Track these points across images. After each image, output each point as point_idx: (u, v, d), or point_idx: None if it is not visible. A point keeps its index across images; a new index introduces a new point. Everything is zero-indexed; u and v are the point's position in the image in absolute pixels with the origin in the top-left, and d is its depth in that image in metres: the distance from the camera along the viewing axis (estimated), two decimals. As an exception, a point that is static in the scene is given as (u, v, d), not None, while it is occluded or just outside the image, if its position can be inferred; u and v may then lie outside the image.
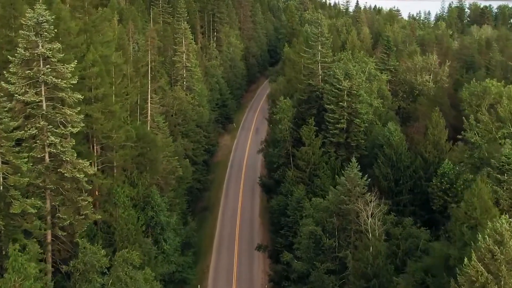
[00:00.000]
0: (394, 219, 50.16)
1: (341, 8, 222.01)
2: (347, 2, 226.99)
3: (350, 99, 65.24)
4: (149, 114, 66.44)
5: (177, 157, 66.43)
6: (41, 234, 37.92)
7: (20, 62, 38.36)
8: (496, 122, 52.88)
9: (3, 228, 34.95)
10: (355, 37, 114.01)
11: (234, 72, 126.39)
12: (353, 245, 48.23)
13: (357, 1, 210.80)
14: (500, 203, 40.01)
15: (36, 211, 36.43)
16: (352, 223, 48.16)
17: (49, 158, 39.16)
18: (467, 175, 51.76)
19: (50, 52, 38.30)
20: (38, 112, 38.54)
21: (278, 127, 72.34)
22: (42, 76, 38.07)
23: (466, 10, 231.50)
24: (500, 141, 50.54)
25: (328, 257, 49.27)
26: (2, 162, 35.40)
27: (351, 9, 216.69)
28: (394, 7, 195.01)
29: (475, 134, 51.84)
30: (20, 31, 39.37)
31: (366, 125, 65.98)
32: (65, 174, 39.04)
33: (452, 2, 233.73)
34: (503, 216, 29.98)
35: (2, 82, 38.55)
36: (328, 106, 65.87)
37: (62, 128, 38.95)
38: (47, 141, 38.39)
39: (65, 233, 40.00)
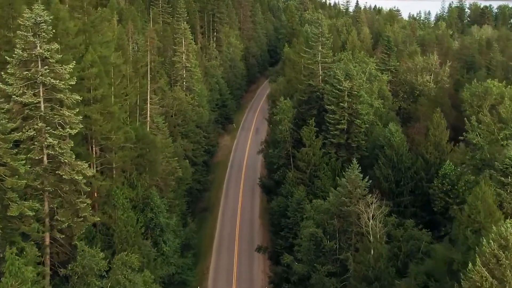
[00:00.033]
0: (395, 221, 49.79)
1: (341, 8, 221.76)
2: (347, 2, 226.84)
3: (350, 99, 64.91)
4: (148, 114, 66.11)
5: (176, 158, 66.08)
6: (39, 236, 37.58)
7: (18, 63, 38.00)
8: (498, 123, 52.46)
9: (0, 231, 34.57)
10: (355, 37, 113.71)
11: (234, 72, 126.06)
12: (354, 247, 47.89)
13: (357, 1, 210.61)
14: (503, 206, 39.61)
15: (34, 213, 36.08)
16: (353, 225, 47.81)
17: (47, 160, 38.78)
18: (469, 177, 51.43)
19: (48, 53, 37.95)
20: (36, 114, 38.18)
21: (278, 128, 72.01)
22: (40, 77, 37.71)
23: (466, 10, 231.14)
24: (502, 142, 50.17)
25: (328, 259, 48.93)
26: (0, 164, 35.01)
27: (351, 9, 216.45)
28: (394, 7, 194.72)
29: (477, 135, 51.44)
30: (18, 31, 38.98)
31: (367, 126, 65.66)
32: (64, 176, 38.67)
33: (452, 2, 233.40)
34: (508, 220, 29.56)
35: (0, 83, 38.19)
36: (328, 106, 65.54)
37: (61, 129, 38.58)
38: (45, 143, 38.02)
39: (63, 236, 39.62)
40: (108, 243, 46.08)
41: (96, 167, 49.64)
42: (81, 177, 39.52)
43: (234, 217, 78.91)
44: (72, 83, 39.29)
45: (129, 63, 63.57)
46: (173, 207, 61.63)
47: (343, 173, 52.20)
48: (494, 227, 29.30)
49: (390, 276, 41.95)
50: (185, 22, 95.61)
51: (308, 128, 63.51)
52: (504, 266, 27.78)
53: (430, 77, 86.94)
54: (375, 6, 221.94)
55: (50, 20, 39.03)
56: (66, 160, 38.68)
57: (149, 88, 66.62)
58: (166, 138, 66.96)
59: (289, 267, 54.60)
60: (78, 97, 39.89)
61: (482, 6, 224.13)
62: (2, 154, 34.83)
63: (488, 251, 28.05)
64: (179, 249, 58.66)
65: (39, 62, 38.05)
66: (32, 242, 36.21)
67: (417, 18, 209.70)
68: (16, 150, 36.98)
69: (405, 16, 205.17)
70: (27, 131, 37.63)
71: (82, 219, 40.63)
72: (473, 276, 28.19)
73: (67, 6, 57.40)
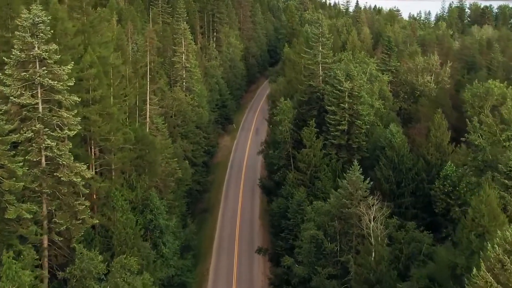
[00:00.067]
0: (397, 223, 49.43)
1: (341, 8, 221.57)
2: (347, 2, 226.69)
3: (351, 100, 64.56)
4: (148, 115, 65.76)
5: (176, 159, 65.69)
6: (37, 239, 37.25)
7: (15, 64, 37.69)
8: (500, 124, 52.10)
9: (-2, 233, 34.31)
10: (356, 38, 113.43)
11: (234, 73, 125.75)
12: (355, 249, 47.52)
13: (357, 1, 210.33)
14: (507, 209, 39.22)
15: (31, 216, 35.71)
16: (354, 227, 47.44)
17: (45, 161, 38.45)
18: (470, 178, 51.07)
19: (47, 54, 37.64)
20: (34, 115, 37.86)
21: (278, 129, 71.68)
22: (38, 78, 37.38)
23: (467, 10, 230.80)
24: (504, 143, 49.81)
25: (329, 262, 48.56)
26: (-3, 166, 34.72)
27: (351, 9, 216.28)
28: (394, 7, 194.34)
29: (479, 136, 51.07)
30: (15, 32, 38.63)
31: (368, 126, 65.32)
32: (62, 178, 38.33)
33: (452, 2, 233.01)
34: (512, 224, 29.24)
35: (-3, 84, 37.86)
36: (329, 107, 65.20)
37: (59, 131, 38.26)
38: (43, 145, 37.70)
39: (61, 238, 39.30)
40: (107, 245, 45.68)
41: (95, 169, 49.28)
42: (79, 179, 39.17)
43: (234, 218, 78.58)
44: (71, 84, 38.97)
45: (128, 63, 63.24)
46: (172, 208, 61.26)
47: (344, 174, 51.83)
48: (499, 231, 28.86)
49: (392, 279, 41.56)
50: (185, 22, 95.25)
51: (309, 129, 63.15)
52: (509, 271, 27.26)
53: (431, 78, 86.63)
54: (375, 6, 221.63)
55: (48, 21, 38.72)
56: (65, 162, 38.34)
57: (148, 88, 66.25)
58: (166, 139, 66.61)
59: (290, 269, 54.23)
60: (76, 98, 39.57)
61: (482, 6, 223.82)
62: (0, 156, 34.45)
63: (493, 256, 27.60)
64: (179, 251, 58.24)
65: (37, 63, 37.76)
66: (30, 245, 35.82)
67: (417, 18, 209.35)
68: (14, 152, 36.61)
69: (405, 16, 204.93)
70: (25, 133, 37.28)
71: (80, 221, 40.30)
72: (478, 282, 27.71)
73: (66, 6, 56.98)
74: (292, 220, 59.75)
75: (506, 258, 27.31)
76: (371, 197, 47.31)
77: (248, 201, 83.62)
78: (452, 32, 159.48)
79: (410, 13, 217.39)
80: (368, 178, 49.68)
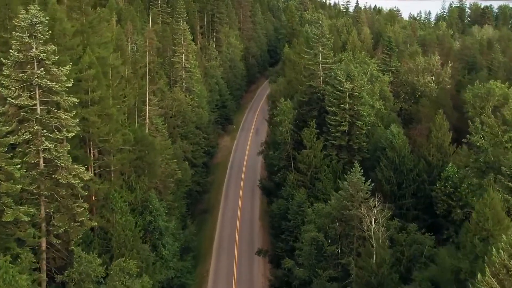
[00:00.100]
0: (398, 225, 49.06)
1: (341, 8, 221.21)
2: (347, 2, 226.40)
3: (352, 101, 64.18)
4: (147, 116, 65.40)
5: (176, 160, 65.32)
6: (35, 242, 36.90)
7: (13, 65, 37.41)
8: (502, 125, 51.73)
9: (-5, 237, 33.94)
10: (356, 38, 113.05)
11: (233, 73, 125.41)
12: (356, 251, 47.16)
13: (357, 1, 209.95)
14: (511, 212, 38.77)
15: (29, 218, 35.36)
16: (355, 229, 47.07)
17: (43, 163, 38.14)
18: (472, 180, 50.72)
19: (45, 54, 37.35)
20: (32, 116, 37.56)
21: (278, 129, 71.33)
22: (36, 79, 37.09)
23: (467, 10, 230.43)
24: (506, 145, 49.44)
25: (330, 264, 48.21)
26: (-5, 169, 34.36)
27: (351, 9, 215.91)
28: (394, 7, 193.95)
29: (480, 137, 50.71)
30: (13, 32, 38.27)
31: (368, 127, 64.94)
32: (60, 180, 38.04)
33: (452, 2, 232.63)
34: (517, 228, 28.83)
35: (-5, 85, 37.51)
36: (329, 108, 64.82)
37: (57, 132, 37.96)
38: (42, 146, 37.39)
39: (60, 241, 39.00)
40: (106, 247, 45.38)
41: (94, 170, 48.97)
42: (78, 181, 38.88)
43: (234, 218, 78.26)
44: (69, 85, 38.64)
45: (128, 64, 62.92)
46: (172, 210, 60.92)
47: (344, 175, 51.46)
48: (504, 236, 28.42)
49: (394, 282, 41.23)
50: (185, 22, 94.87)
51: (309, 130, 62.79)
52: (515, 276, 26.90)
53: (432, 78, 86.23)
54: (375, 6, 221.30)
55: (46, 21, 38.45)
56: (63, 164, 38.03)
57: (148, 89, 65.90)
58: (165, 140, 66.26)
59: (290, 271, 53.92)
60: (75, 100, 39.26)
61: (482, 6, 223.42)
62: (-3, 158, 34.18)
63: (497, 261, 27.16)
64: (179, 252, 57.93)
65: (35, 63, 37.47)
66: (28, 248, 35.48)
67: (418, 18, 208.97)
68: (12, 153, 36.27)
69: (405, 16, 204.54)
70: (23, 134, 37.03)
71: (79, 223, 40.00)
72: (483, 287, 27.30)
73: (65, 6, 56.59)
74: (292, 221, 59.43)
75: (512, 263, 26.94)
76: (372, 198, 46.96)
77: (248, 202, 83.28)
78: (452, 32, 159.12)
79: (410, 13, 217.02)
80: (369, 180, 49.29)
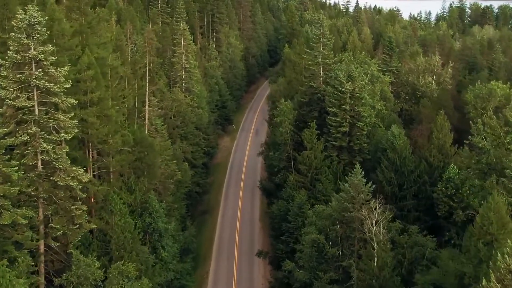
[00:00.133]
0: (399, 227, 48.68)
1: (341, 8, 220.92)
2: (347, 2, 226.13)
3: (352, 101, 63.81)
4: (147, 117, 65.03)
5: (175, 161, 64.97)
6: (33, 245, 36.53)
7: (11, 66, 37.06)
8: (504, 126, 51.38)
9: (-8, 239, 33.56)
10: (356, 38, 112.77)
11: (233, 73, 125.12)
12: (357, 254, 46.77)
13: (357, 1, 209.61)
14: (515, 215, 38.44)
15: (27, 221, 34.99)
16: (356, 231, 46.67)
17: (41, 165, 37.79)
18: (474, 181, 50.35)
19: (43, 55, 36.99)
20: (30, 118, 37.22)
21: (278, 130, 70.98)
22: (34, 80, 36.72)
23: (467, 10, 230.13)
24: (508, 146, 49.06)
25: (331, 266, 47.83)
26: (-8, 171, 33.96)
27: (351, 9, 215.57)
28: (394, 7, 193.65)
29: (482, 138, 50.35)
30: (11, 33, 37.91)
31: (369, 128, 64.56)
32: (58, 182, 37.69)
33: (453, 2, 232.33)
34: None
35: (-7, 87, 37.12)
36: (330, 109, 64.46)
37: (55, 134, 37.59)
38: (40, 148, 37.02)
39: (58, 244, 38.60)
40: (105, 250, 44.98)
41: (93, 172, 48.61)
42: (76, 183, 38.51)
43: (234, 219, 77.95)
44: (67, 86, 38.25)
45: (127, 64, 62.57)
46: (172, 211, 60.54)
47: (345, 177, 51.08)
48: (509, 240, 28.00)
49: (395, 285, 40.85)
50: (184, 23, 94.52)
51: (309, 131, 62.42)
52: (520, 282, 26.47)
53: (432, 78, 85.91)
54: (375, 6, 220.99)
55: (44, 22, 38.08)
56: (61, 166, 37.66)
57: (147, 89, 65.55)
58: (165, 141, 65.87)
59: (290, 273, 53.56)
60: (73, 101, 38.92)
61: (482, 6, 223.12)
62: (-5, 160, 33.80)
63: (503, 266, 26.76)
64: (178, 254, 57.53)
65: (33, 64, 37.12)
66: (26, 251, 35.11)
67: (418, 18, 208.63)
68: (9, 155, 35.90)
69: (405, 16, 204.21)
70: (21, 136, 36.67)
71: (77, 226, 39.66)
72: (488, 293, 26.93)
73: (64, 7, 56.24)
74: (292, 223, 59.08)
75: (517, 268, 26.52)
76: (373, 200, 46.59)
77: (248, 203, 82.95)
78: (453, 32, 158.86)
79: (410, 13, 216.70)
80: (370, 182, 48.91)
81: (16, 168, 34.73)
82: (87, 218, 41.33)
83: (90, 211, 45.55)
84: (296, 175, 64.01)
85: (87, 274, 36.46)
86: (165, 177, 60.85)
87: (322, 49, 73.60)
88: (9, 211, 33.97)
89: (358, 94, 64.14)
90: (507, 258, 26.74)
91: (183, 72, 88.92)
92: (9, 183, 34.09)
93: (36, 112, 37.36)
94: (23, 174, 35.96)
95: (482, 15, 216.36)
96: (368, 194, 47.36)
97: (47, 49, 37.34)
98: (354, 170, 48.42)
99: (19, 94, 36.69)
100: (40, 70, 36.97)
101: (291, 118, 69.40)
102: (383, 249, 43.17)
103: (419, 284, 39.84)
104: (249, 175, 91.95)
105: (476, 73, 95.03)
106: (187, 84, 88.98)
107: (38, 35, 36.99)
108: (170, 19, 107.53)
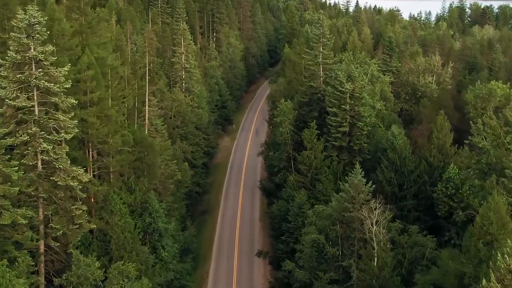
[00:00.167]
0: (399, 227, 48.67)
1: (341, 8, 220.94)
2: (347, 2, 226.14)
3: (352, 101, 63.80)
4: (147, 117, 65.02)
5: (175, 161, 64.97)
6: (33, 245, 36.51)
7: (11, 66, 37.04)
8: (504, 126, 51.37)
9: (-8, 239, 33.56)
10: (356, 38, 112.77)
11: (233, 73, 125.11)
12: (357, 254, 46.77)
13: (357, 1, 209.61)
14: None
15: (27, 221, 34.97)
16: (356, 231, 46.66)
17: (41, 165, 37.77)
18: (474, 181, 50.35)
19: (43, 55, 36.98)
20: (30, 118, 37.20)
21: (278, 130, 70.98)
22: (34, 80, 36.70)
23: (467, 10, 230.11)
24: (508, 146, 49.06)
25: (331, 266, 47.82)
26: (-8, 171, 33.95)
27: (351, 9, 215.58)
28: (394, 7, 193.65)
29: (482, 139, 50.36)
30: (11, 33, 37.91)
31: (369, 128, 64.56)
32: (58, 182, 37.67)
33: (452, 2, 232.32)
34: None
35: (-8, 87, 37.11)
36: (330, 109, 64.46)
37: (55, 134, 37.58)
38: (40, 148, 37.00)
39: (58, 244, 38.57)
40: (105, 250, 44.97)
41: (93, 172, 48.60)
42: (76, 183, 38.49)
43: (234, 219, 77.96)
44: (68, 86, 38.24)
45: (127, 64, 62.57)
46: (172, 211, 60.53)
47: (345, 177, 51.07)
48: (509, 240, 27.99)
49: (395, 285, 40.84)
50: (184, 23, 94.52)
51: (309, 131, 62.42)
52: (520, 282, 26.45)
53: (432, 78, 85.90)
54: (375, 6, 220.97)
55: (44, 21, 38.06)
56: (61, 166, 37.64)
57: (147, 89, 65.54)
58: (165, 141, 65.87)
59: (290, 273, 53.55)
60: (73, 101, 38.91)
61: (482, 6, 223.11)
62: (-5, 160, 33.79)
63: (503, 266, 26.74)
64: (178, 254, 57.53)
65: (33, 64, 37.10)
66: (26, 251, 35.09)
67: (418, 18, 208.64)
68: (9, 155, 35.89)
69: (405, 16, 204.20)
70: (21, 136, 36.65)
71: (77, 226, 39.64)
72: (488, 293, 26.90)
73: (64, 7, 56.23)
74: (292, 223, 59.07)
75: (517, 268, 26.50)
76: (373, 200, 46.58)
77: (248, 203, 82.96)
78: (452, 32, 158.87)
79: (410, 13, 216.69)
80: (370, 182, 48.91)
81: (16, 168, 34.72)
82: (87, 218, 41.31)
83: (90, 211, 45.55)
84: (296, 175, 64.01)
85: (87, 274, 36.46)
86: (165, 177, 60.85)
87: (322, 49, 73.60)
88: (9, 211, 33.96)
89: (358, 94, 64.13)
90: (507, 258, 26.73)
91: (183, 72, 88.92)
92: (9, 183, 34.08)
93: (36, 112, 37.35)
94: (23, 174, 35.95)
95: (482, 15, 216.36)
96: (368, 194, 47.35)
97: (47, 49, 37.33)
98: (354, 170, 48.42)
99: (19, 94, 36.69)
100: (40, 70, 36.96)
101: (291, 118, 69.39)
102: (383, 249, 43.15)
103: (419, 284, 39.84)
104: (249, 175, 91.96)
105: (476, 73, 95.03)
106: (187, 84, 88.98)
107: (38, 35, 36.98)
108: (170, 19, 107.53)
